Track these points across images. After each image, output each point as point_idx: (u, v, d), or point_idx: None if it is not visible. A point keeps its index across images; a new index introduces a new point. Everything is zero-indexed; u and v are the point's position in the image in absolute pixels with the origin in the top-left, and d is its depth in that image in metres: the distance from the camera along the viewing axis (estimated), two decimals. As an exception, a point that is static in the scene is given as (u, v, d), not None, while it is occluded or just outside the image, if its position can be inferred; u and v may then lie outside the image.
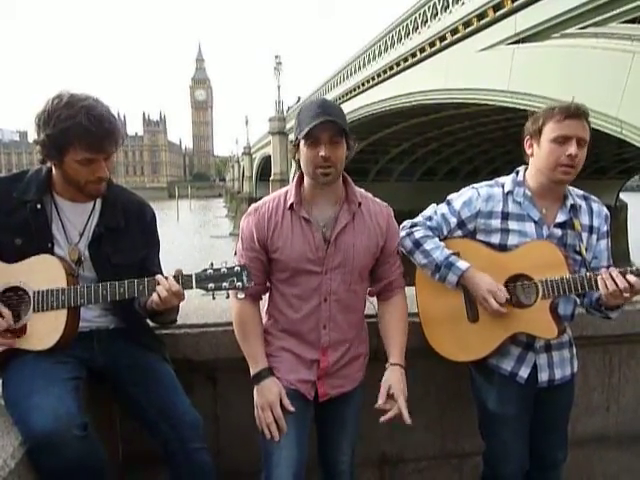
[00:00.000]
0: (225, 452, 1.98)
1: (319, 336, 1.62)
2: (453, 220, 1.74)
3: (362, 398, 1.72)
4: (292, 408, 1.55)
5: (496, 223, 1.69)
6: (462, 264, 1.68)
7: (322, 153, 1.48)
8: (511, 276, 1.66)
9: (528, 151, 1.69)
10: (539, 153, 1.64)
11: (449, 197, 1.79)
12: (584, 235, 1.68)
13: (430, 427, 2.17)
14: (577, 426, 2.15)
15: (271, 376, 1.59)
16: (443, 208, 1.78)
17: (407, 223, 1.79)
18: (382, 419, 1.56)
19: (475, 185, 1.77)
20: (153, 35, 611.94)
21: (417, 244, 1.73)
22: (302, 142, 1.52)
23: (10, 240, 1.54)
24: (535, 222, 1.67)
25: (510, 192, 1.71)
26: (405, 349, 1.68)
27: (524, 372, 1.71)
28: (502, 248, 1.68)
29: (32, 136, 1.53)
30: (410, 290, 1.82)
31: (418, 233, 1.74)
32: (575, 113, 1.58)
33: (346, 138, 1.53)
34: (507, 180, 1.74)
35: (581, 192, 1.76)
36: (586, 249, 1.68)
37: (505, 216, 1.69)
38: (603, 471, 2.33)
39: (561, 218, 1.67)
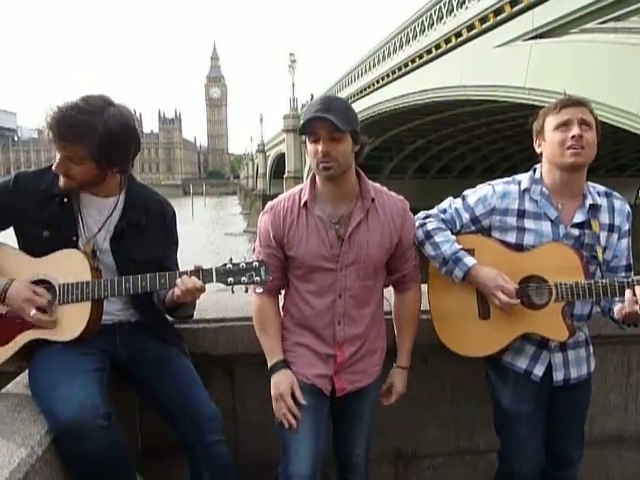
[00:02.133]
0: (242, 445, 2.01)
1: (334, 332, 1.63)
2: (466, 216, 1.74)
3: (377, 393, 1.74)
4: (304, 401, 1.58)
5: (512, 221, 1.68)
6: (469, 260, 1.67)
7: (320, 148, 1.51)
8: (525, 276, 1.65)
9: (538, 150, 1.70)
10: (546, 146, 1.65)
11: (465, 192, 1.79)
12: (603, 234, 1.66)
13: (445, 423, 2.18)
14: (595, 426, 2.13)
15: (284, 368, 1.62)
16: (458, 203, 1.78)
17: (421, 214, 1.81)
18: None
19: (491, 182, 1.77)
20: (168, 33, 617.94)
21: (428, 235, 1.74)
22: (306, 138, 1.56)
23: (39, 232, 1.59)
24: (552, 221, 1.66)
25: (527, 190, 1.69)
26: (413, 346, 1.75)
27: (539, 370, 1.70)
28: (518, 248, 1.67)
29: None
30: (423, 287, 1.82)
31: (430, 225, 1.75)
32: (572, 101, 1.62)
33: (352, 133, 1.53)
34: (524, 177, 1.73)
35: (603, 188, 1.72)
36: (605, 248, 1.66)
37: (521, 214, 1.68)
38: (621, 471, 2.30)
39: (579, 218, 1.65)
